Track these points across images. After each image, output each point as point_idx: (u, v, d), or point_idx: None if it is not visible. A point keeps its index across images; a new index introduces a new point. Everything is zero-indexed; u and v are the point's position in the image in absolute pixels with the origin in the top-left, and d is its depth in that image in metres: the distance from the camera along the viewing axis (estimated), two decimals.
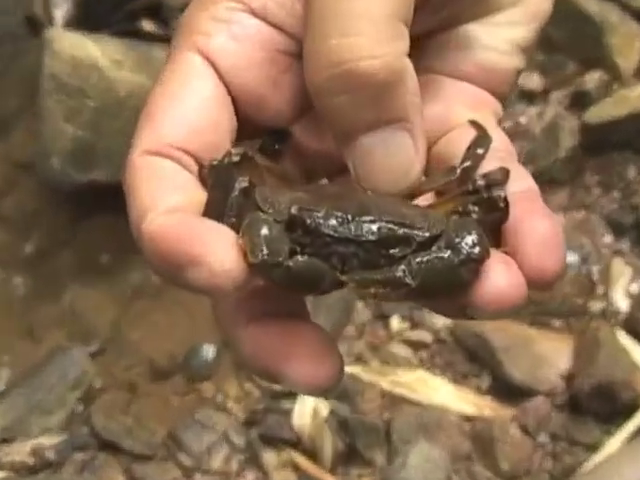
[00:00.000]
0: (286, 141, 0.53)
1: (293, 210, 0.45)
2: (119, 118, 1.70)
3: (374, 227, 0.45)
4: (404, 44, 0.47)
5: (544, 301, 1.65)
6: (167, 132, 0.49)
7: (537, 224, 0.47)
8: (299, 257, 0.43)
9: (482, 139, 0.52)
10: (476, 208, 0.47)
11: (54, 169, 1.71)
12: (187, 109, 0.49)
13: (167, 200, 0.46)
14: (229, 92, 0.51)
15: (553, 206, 1.74)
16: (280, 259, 0.43)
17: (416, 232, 0.46)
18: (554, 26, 1.92)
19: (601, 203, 1.80)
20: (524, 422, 1.56)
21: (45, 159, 1.72)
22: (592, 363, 1.56)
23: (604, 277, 1.71)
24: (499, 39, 0.55)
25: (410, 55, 0.48)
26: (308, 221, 0.45)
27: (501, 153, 0.52)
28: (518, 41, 0.55)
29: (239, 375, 1.64)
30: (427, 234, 0.46)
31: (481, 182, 0.48)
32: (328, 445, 1.54)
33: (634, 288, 1.69)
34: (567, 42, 1.94)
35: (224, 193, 0.46)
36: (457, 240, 0.44)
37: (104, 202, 1.62)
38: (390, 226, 0.45)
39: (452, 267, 0.44)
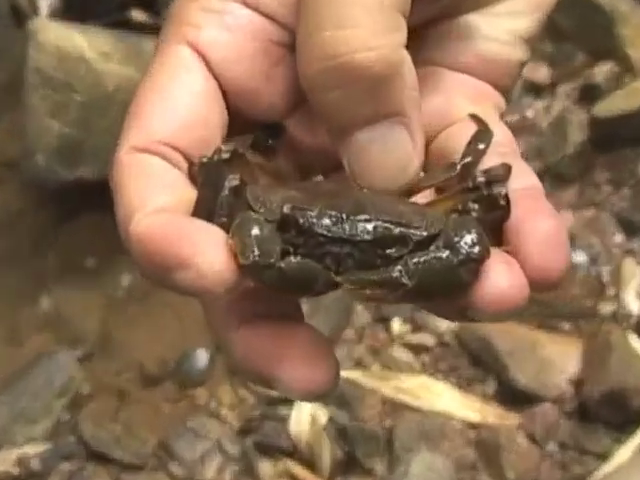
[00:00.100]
0: (279, 136, 0.54)
1: (285, 209, 0.45)
2: (107, 113, 1.70)
3: (370, 226, 0.45)
4: (401, 35, 0.48)
5: (552, 303, 1.65)
6: (156, 128, 0.49)
7: (540, 223, 0.47)
8: (292, 258, 0.43)
9: (483, 134, 0.52)
10: (476, 206, 0.48)
11: (39, 166, 1.71)
12: (176, 104, 0.50)
13: (155, 199, 0.47)
14: (220, 86, 0.51)
15: (561, 204, 1.74)
16: (272, 260, 0.43)
17: (413, 231, 0.46)
18: (562, 15, 1.93)
19: (611, 201, 1.80)
20: (531, 430, 1.56)
21: (30, 156, 1.72)
22: (602, 368, 1.56)
23: (615, 278, 1.71)
24: (500, 29, 0.55)
25: (408, 46, 0.48)
26: (301, 220, 0.45)
27: (503, 148, 0.52)
28: (520, 32, 0.56)
29: (233, 381, 1.64)
30: (425, 233, 0.46)
31: (481, 179, 0.49)
32: (326, 454, 1.54)
33: None
34: (576, 32, 1.95)
35: (214, 192, 0.46)
36: (456, 239, 0.45)
37: (91, 200, 1.62)
38: (386, 225, 0.45)
39: (451, 267, 0.44)
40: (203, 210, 0.46)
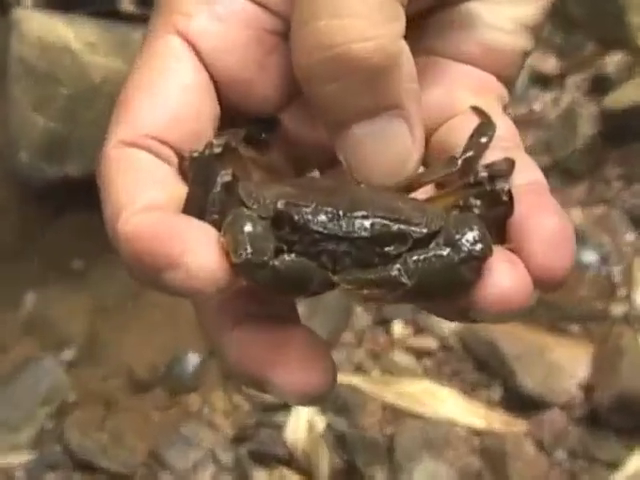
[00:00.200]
0: (274, 130, 0.54)
1: (280, 205, 0.45)
2: (93, 107, 1.70)
3: (367, 223, 0.45)
4: (400, 25, 0.48)
5: (560, 305, 1.66)
6: (144, 121, 0.49)
7: (544, 219, 0.47)
8: (286, 256, 0.44)
9: (485, 127, 0.53)
10: (478, 202, 0.48)
11: (23, 162, 1.72)
12: (166, 96, 0.50)
13: (144, 196, 0.47)
14: (211, 77, 0.51)
15: (570, 201, 1.75)
16: (265, 258, 0.43)
17: (413, 228, 0.46)
18: (572, 3, 1.93)
19: (623, 197, 1.80)
20: (539, 437, 1.56)
21: (13, 152, 1.72)
22: (613, 373, 1.57)
23: (626, 278, 1.72)
24: (503, 18, 0.55)
25: (407, 36, 0.48)
26: (296, 217, 0.45)
27: (506, 142, 0.52)
28: (524, 20, 0.56)
29: (227, 386, 1.64)
30: (425, 230, 0.46)
31: (484, 174, 0.49)
32: (324, 463, 1.55)
33: None
34: (586, 21, 1.95)
35: (205, 188, 0.46)
36: (457, 237, 0.45)
37: (77, 198, 1.63)
38: (384, 222, 0.46)
39: (452, 266, 0.44)
40: (194, 207, 0.46)
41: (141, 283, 0.46)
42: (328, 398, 0.48)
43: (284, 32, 0.51)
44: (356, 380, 1.62)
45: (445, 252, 0.45)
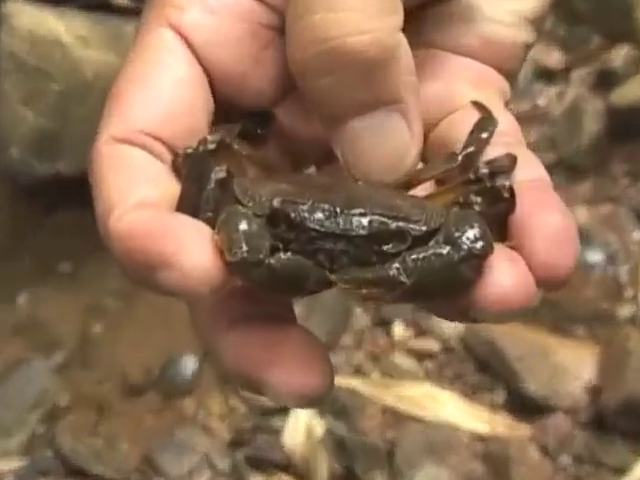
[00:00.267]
0: (269, 125, 0.54)
1: (275, 203, 0.46)
2: (86, 102, 1.70)
3: (365, 221, 0.46)
4: (397, 18, 0.48)
5: (565, 305, 1.66)
6: (137, 117, 0.49)
7: (547, 217, 0.47)
8: (282, 254, 0.44)
9: (486, 122, 0.53)
10: (479, 199, 0.48)
11: (13, 159, 1.72)
12: (159, 91, 0.50)
13: (137, 193, 0.47)
14: (205, 71, 0.52)
15: (575, 199, 1.75)
16: (261, 257, 0.43)
17: (412, 226, 0.46)
18: None
19: (629, 195, 1.81)
20: (543, 442, 1.57)
21: (2, 148, 1.72)
22: (620, 375, 1.57)
23: (633, 278, 1.72)
24: (504, 10, 0.56)
25: (405, 29, 0.49)
26: (292, 215, 0.45)
27: (508, 138, 0.53)
28: (525, 12, 0.56)
29: (223, 390, 1.64)
30: (424, 228, 0.46)
31: (485, 170, 0.49)
32: (323, 468, 1.55)
33: None
34: (591, 14, 1.95)
35: (199, 185, 0.46)
36: (457, 234, 0.45)
37: (69, 196, 1.63)
38: (383, 219, 0.46)
39: (452, 264, 0.44)
40: (188, 205, 0.47)
41: (134, 282, 0.46)
42: (326, 400, 0.48)
43: (280, 26, 0.51)
44: (355, 383, 1.63)
45: (445, 250, 0.45)
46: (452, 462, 1.55)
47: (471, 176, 0.49)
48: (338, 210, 0.46)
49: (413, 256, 0.45)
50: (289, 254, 0.44)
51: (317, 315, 1.62)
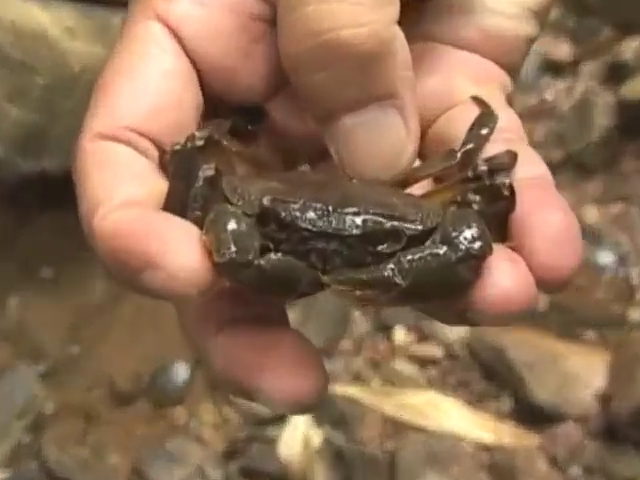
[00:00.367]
0: (260, 121, 0.55)
1: (265, 201, 0.46)
2: (73, 96, 1.70)
3: (359, 220, 0.46)
4: (393, 9, 0.48)
5: (574, 309, 1.66)
6: (123, 113, 0.50)
7: (549, 216, 0.47)
8: (272, 255, 0.44)
9: (487, 118, 0.53)
10: (478, 197, 0.48)
11: None
12: (146, 85, 0.51)
13: (122, 191, 0.48)
14: (194, 65, 0.52)
15: (585, 197, 1.75)
16: (250, 257, 0.43)
17: (407, 225, 0.47)
18: None
19: None
20: (552, 452, 1.56)
21: None
22: (632, 382, 1.57)
23: None
24: (506, 1, 0.56)
25: (403, 21, 0.49)
26: (283, 214, 0.46)
27: (508, 134, 0.53)
28: (529, 3, 0.57)
29: (216, 398, 1.64)
30: (420, 227, 0.47)
31: (484, 167, 0.49)
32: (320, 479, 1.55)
33: None
34: (601, 4, 1.96)
35: (187, 182, 0.47)
36: (455, 234, 0.45)
37: (55, 195, 1.63)
38: (377, 219, 0.46)
39: (449, 265, 0.45)
40: (175, 203, 0.47)
41: (120, 284, 0.47)
42: (320, 407, 0.49)
43: (272, 18, 0.52)
44: (354, 391, 1.63)
45: (442, 250, 0.45)
46: (456, 473, 1.55)
47: (470, 174, 0.50)
48: (331, 209, 0.46)
49: (409, 256, 0.45)
50: (280, 255, 0.44)
51: (314, 320, 1.62)
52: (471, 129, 0.53)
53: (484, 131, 0.53)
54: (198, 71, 0.52)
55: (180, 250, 0.44)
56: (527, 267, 0.46)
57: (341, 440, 1.57)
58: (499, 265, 0.46)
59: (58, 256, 1.79)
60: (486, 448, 1.58)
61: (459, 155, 0.52)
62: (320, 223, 0.46)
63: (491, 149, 0.52)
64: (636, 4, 1.92)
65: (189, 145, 0.48)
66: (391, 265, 0.45)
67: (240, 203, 0.47)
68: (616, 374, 1.60)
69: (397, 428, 1.60)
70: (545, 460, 1.56)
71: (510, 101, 0.58)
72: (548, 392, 1.60)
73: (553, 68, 1.94)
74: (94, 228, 0.46)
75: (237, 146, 0.52)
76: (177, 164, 0.48)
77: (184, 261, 0.44)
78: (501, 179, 0.49)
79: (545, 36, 1.83)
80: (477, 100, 0.55)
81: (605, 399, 1.59)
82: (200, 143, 0.48)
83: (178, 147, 0.48)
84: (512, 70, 0.58)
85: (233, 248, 0.43)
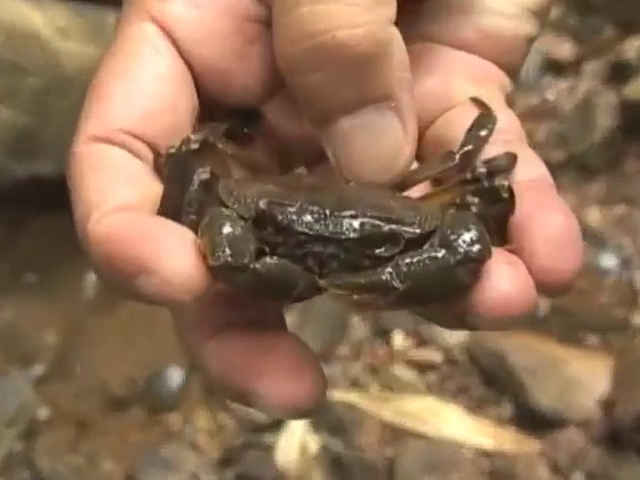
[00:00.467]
0: (256, 123, 0.55)
1: (262, 204, 0.46)
2: (66, 98, 1.70)
3: (356, 223, 0.46)
4: (390, 10, 0.49)
5: (577, 313, 1.66)
6: (117, 115, 0.50)
7: (549, 218, 0.47)
8: (268, 259, 0.44)
9: (485, 119, 0.53)
10: (476, 200, 0.48)
11: None
12: (140, 88, 0.51)
13: (117, 195, 0.48)
14: (189, 67, 0.52)
15: (587, 199, 1.75)
16: (245, 261, 0.44)
17: (405, 228, 0.47)
18: None
19: None
20: (553, 458, 1.57)
21: None
22: (635, 388, 1.57)
23: None
24: (505, 1, 0.56)
25: (400, 21, 0.49)
26: (279, 217, 0.46)
27: (508, 135, 0.53)
28: (528, 3, 0.57)
29: (211, 404, 1.64)
30: (418, 230, 0.47)
31: (483, 169, 0.49)
32: None
33: None
34: (604, 3, 1.96)
35: (182, 186, 0.47)
36: (453, 237, 0.45)
37: (49, 199, 1.63)
38: (375, 222, 0.46)
39: (447, 268, 0.45)
40: (170, 207, 0.47)
41: (112, 289, 0.47)
42: (318, 412, 0.49)
43: (267, 19, 0.52)
44: (352, 397, 1.63)
45: (440, 254, 0.45)
46: None
47: (468, 176, 0.50)
48: (328, 212, 0.46)
49: (407, 260, 0.45)
50: (276, 258, 0.45)
51: (311, 324, 1.63)
52: (470, 130, 0.53)
53: (483, 132, 0.53)
54: (193, 73, 0.52)
55: (174, 255, 0.44)
56: (527, 270, 0.46)
57: (339, 447, 1.57)
58: (498, 268, 0.46)
59: (49, 260, 1.79)
60: (486, 454, 1.58)
61: (458, 157, 0.52)
62: (317, 226, 0.46)
63: (490, 151, 0.52)
64: (638, 3, 1.92)
65: (184, 148, 0.48)
66: (389, 269, 0.45)
67: (236, 206, 0.47)
68: (619, 379, 1.60)
69: (396, 434, 1.60)
70: (546, 466, 1.56)
71: (510, 102, 0.58)
72: (549, 397, 1.60)
73: (555, 67, 1.94)
74: (88, 232, 0.46)
75: (233, 149, 0.52)
76: (172, 167, 0.48)
77: (178, 266, 0.44)
78: (500, 181, 0.49)
79: (547, 35, 1.83)
80: (476, 101, 0.55)
81: (608, 405, 1.59)
82: (195, 146, 0.49)
83: (173, 150, 0.48)
84: (512, 70, 0.58)
85: (228, 251, 0.43)
